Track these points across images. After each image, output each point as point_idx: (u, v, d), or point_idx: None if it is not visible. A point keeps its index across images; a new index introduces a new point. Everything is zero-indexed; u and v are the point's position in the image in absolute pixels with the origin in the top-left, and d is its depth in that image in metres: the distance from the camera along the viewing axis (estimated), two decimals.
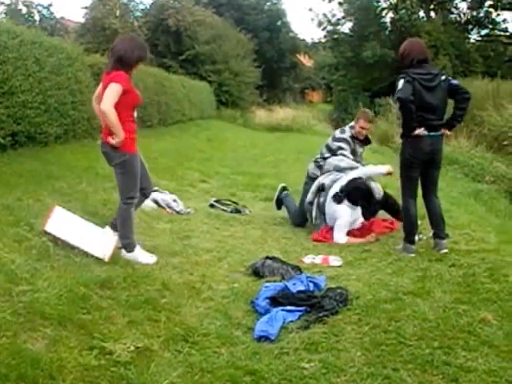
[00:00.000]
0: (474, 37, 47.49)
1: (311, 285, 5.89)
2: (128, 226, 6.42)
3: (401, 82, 6.83)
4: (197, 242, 7.71)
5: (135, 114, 6.42)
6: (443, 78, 7.02)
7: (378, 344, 4.59)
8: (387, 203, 8.82)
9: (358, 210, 8.49)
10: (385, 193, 8.78)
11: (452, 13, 46.01)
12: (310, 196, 8.98)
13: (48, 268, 5.29)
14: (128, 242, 6.40)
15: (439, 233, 7.26)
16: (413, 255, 7.12)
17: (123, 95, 5.99)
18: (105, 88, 6.01)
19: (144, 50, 6.31)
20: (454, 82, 7.14)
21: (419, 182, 7.30)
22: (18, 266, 5.08)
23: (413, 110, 6.81)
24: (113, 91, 5.91)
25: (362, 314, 5.20)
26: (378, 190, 8.58)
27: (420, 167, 7.12)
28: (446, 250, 7.10)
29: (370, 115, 9.57)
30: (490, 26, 45.79)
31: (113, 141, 6.04)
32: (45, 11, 39.97)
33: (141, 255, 6.44)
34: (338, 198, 8.34)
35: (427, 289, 5.77)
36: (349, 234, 8.37)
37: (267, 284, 5.87)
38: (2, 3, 37.88)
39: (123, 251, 6.39)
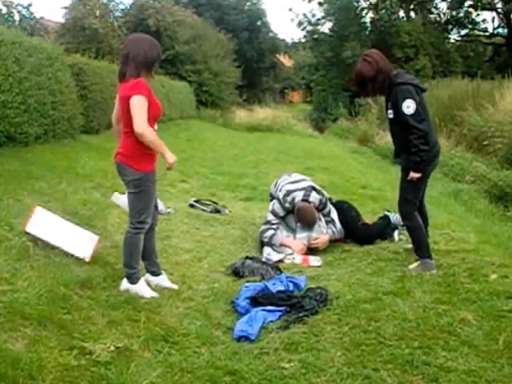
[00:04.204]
0: (453, 37, 47.69)
1: (291, 285, 5.91)
2: (135, 255, 5.58)
3: (412, 104, 6.16)
4: (177, 242, 7.71)
5: (156, 127, 5.55)
6: None
7: (357, 344, 4.61)
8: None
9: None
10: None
11: (432, 13, 46.10)
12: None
13: (28, 268, 5.26)
14: (132, 273, 5.57)
15: None
16: (434, 271, 6.45)
17: None
18: (124, 99, 5.23)
19: (158, 46, 5.47)
20: None
21: None
22: None
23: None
24: (140, 107, 5.12)
25: (341, 314, 5.22)
26: None
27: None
28: None
29: (305, 221, 7.79)
30: (470, 26, 45.96)
31: (167, 164, 5.38)
32: (24, 11, 39.65)
33: (145, 289, 5.61)
34: None
35: (407, 289, 5.80)
36: None
37: (247, 284, 5.89)
38: None
39: (124, 282, 5.59)
